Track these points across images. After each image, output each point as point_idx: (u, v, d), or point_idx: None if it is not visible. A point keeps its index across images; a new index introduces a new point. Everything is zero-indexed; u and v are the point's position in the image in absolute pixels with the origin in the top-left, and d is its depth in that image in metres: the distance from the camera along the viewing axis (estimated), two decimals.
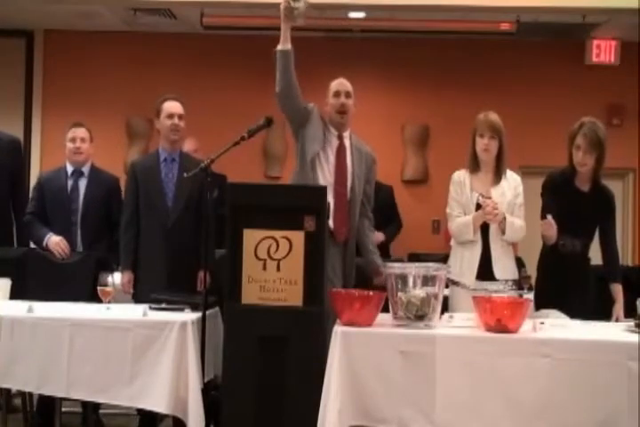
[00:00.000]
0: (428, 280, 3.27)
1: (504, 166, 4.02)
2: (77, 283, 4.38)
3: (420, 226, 6.45)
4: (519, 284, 3.94)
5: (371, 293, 3.34)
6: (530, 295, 3.90)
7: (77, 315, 3.65)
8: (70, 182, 4.67)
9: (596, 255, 4.11)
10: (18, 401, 4.52)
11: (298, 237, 3.45)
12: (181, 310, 3.74)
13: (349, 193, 4.08)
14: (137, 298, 4.27)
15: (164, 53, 7.64)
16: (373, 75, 7.54)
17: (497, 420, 3.10)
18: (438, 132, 7.60)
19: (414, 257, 5.99)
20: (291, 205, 3.48)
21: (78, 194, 4.64)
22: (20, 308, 3.71)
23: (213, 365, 3.75)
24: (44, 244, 4.54)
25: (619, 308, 3.95)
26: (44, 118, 7.74)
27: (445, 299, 3.67)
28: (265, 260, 3.44)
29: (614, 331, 3.41)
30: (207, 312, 3.61)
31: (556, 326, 3.44)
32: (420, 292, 3.24)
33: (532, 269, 4.22)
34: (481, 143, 3.96)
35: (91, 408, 4.28)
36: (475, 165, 4.01)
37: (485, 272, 3.91)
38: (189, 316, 3.60)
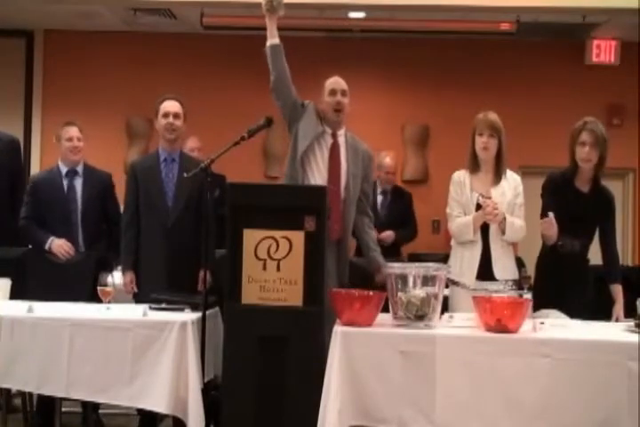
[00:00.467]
0: (427, 280, 3.26)
1: (504, 166, 4.02)
2: (77, 283, 4.38)
3: (420, 226, 6.45)
4: (519, 284, 3.94)
5: (371, 293, 3.34)
6: (530, 295, 3.90)
7: (77, 315, 3.65)
8: (66, 182, 4.64)
9: (595, 256, 4.11)
10: (18, 401, 4.52)
11: (298, 237, 3.45)
12: (181, 310, 3.74)
13: (343, 192, 4.07)
14: (137, 298, 4.28)
15: (163, 53, 7.64)
16: (373, 75, 7.55)
17: (497, 420, 3.10)
18: (438, 132, 7.60)
19: (414, 257, 5.99)
20: (291, 205, 3.48)
21: (75, 194, 4.63)
22: (20, 308, 3.71)
23: (213, 365, 3.75)
24: (47, 247, 4.52)
25: (619, 308, 3.95)
26: (44, 118, 7.74)
27: (445, 299, 3.67)
28: (265, 260, 3.44)
29: (614, 331, 3.40)
30: (207, 312, 3.61)
31: (556, 326, 3.44)
32: (420, 292, 3.24)
33: (531, 270, 4.22)
34: (480, 142, 3.96)
35: (90, 408, 4.28)
36: (474, 165, 4.01)
37: (485, 272, 3.91)
38: (189, 316, 3.60)
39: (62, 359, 3.52)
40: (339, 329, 3.20)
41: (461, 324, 3.36)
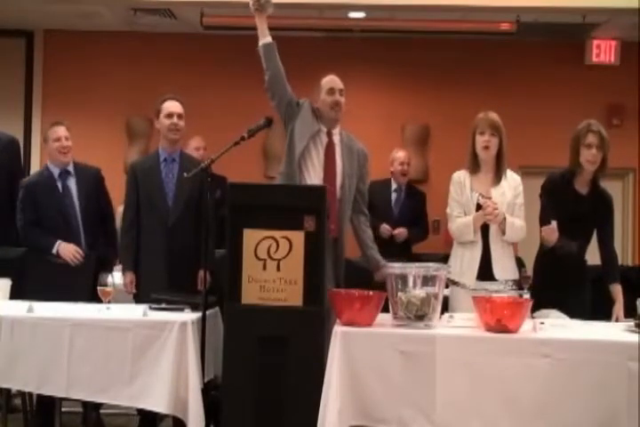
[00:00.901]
0: (428, 280, 3.27)
1: (504, 166, 4.02)
2: (77, 283, 4.37)
3: None
4: (519, 284, 3.93)
5: (371, 293, 3.34)
6: (530, 295, 3.90)
7: (77, 315, 3.65)
8: (60, 184, 4.56)
9: (594, 256, 4.11)
10: (18, 401, 4.52)
11: (298, 237, 3.45)
12: (181, 310, 3.74)
13: (339, 191, 4.07)
14: (137, 298, 4.28)
15: (164, 53, 7.63)
16: (373, 75, 7.54)
17: (497, 420, 3.10)
18: (438, 132, 7.60)
19: (414, 257, 5.99)
20: (291, 205, 3.48)
21: (71, 194, 4.55)
22: (20, 308, 3.71)
23: (213, 365, 3.75)
24: (54, 251, 4.43)
25: (618, 308, 3.95)
26: (44, 118, 7.72)
27: (445, 299, 3.67)
28: (265, 260, 3.45)
29: (614, 331, 3.41)
30: (207, 312, 3.61)
31: (556, 326, 3.44)
32: (420, 292, 3.24)
33: (531, 270, 4.22)
34: (481, 140, 3.95)
35: (91, 408, 4.27)
36: (475, 165, 4.01)
37: (485, 272, 3.91)
38: (189, 316, 3.61)
39: (62, 359, 3.52)
40: (339, 329, 3.20)
41: (461, 324, 3.36)
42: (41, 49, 7.79)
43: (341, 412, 3.11)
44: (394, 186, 6.38)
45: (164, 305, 3.79)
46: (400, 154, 6.44)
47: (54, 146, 4.55)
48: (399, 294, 3.26)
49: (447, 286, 3.79)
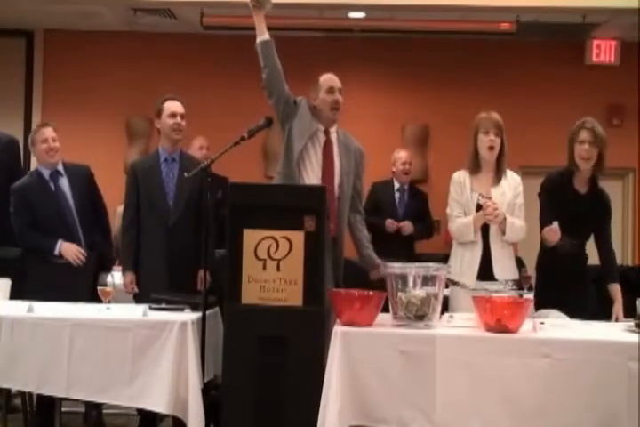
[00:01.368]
0: (428, 280, 3.26)
1: (504, 166, 4.02)
2: (77, 283, 4.37)
3: None
4: (519, 284, 3.94)
5: (371, 293, 3.34)
6: (530, 295, 3.90)
7: (77, 315, 3.65)
8: (52, 185, 4.51)
9: (593, 256, 4.11)
10: (18, 401, 4.52)
11: (298, 237, 3.45)
12: (181, 310, 3.74)
13: (337, 190, 4.07)
14: (137, 298, 4.28)
15: (164, 53, 7.64)
16: (373, 75, 7.54)
17: (497, 420, 3.10)
18: (438, 132, 7.60)
19: (414, 257, 6.00)
20: (291, 205, 3.48)
21: (65, 194, 4.50)
22: (20, 308, 3.71)
23: (213, 365, 3.75)
24: (57, 252, 4.40)
25: (618, 308, 3.95)
26: (44, 118, 7.68)
27: (445, 299, 3.67)
28: (265, 260, 3.44)
29: (614, 331, 3.40)
30: (207, 312, 3.61)
31: (556, 326, 3.44)
32: (420, 292, 3.24)
33: (532, 270, 4.22)
34: (486, 140, 3.94)
35: (92, 407, 4.26)
36: (475, 166, 4.01)
37: (485, 272, 3.91)
38: (189, 316, 3.61)
39: (62, 359, 3.52)
40: (339, 329, 3.20)
41: (461, 324, 3.36)
42: (41, 49, 7.79)
43: (341, 412, 3.11)
44: (396, 186, 6.47)
45: (164, 305, 3.79)
46: (402, 154, 6.53)
47: (42, 147, 4.48)
48: (399, 293, 3.26)
49: (447, 286, 3.79)
